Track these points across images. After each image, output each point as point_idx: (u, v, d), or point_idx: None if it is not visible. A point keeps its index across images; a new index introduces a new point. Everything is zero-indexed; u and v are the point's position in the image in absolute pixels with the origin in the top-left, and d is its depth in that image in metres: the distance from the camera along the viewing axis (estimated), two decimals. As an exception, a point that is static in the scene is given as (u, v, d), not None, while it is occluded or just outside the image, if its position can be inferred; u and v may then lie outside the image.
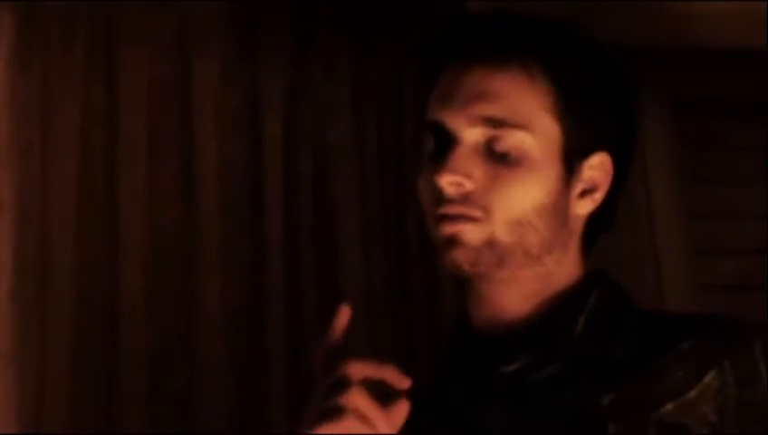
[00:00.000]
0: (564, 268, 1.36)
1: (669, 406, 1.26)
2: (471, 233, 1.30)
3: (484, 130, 1.31)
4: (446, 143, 1.33)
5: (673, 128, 2.23)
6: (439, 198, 1.32)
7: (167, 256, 2.10)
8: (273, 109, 2.16)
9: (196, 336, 2.06)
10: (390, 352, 2.07)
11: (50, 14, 2.12)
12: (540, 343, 1.33)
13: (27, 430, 1.98)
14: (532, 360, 1.32)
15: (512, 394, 1.31)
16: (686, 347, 1.28)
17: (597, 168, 1.35)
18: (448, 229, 1.31)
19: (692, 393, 1.26)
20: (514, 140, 1.30)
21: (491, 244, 1.30)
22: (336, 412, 1.19)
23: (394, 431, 1.21)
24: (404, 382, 1.22)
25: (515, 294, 1.35)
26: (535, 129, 1.31)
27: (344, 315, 1.27)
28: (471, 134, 1.32)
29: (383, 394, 1.21)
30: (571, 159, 1.33)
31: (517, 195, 1.30)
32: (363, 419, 1.19)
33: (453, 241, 1.31)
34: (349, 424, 1.19)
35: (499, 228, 1.30)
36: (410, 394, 1.23)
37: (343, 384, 1.20)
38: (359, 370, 1.21)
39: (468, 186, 1.30)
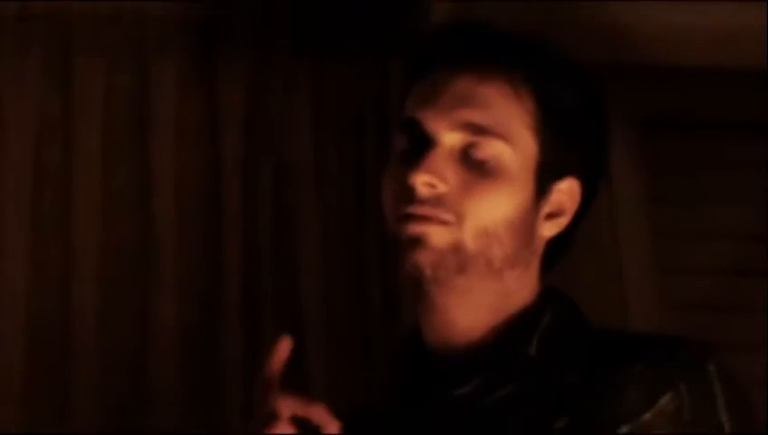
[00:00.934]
0: (522, 288, 1.35)
1: (624, 429, 1.24)
2: (438, 235, 1.29)
3: (464, 135, 1.30)
4: (420, 144, 1.32)
5: (639, 146, 2.22)
6: (409, 197, 1.30)
7: (121, 268, 2.09)
8: (232, 120, 2.14)
9: (150, 351, 2.05)
10: (349, 367, 2.10)
11: (4, 23, 2.10)
12: (493, 365, 1.31)
13: (-26, 447, 1.97)
14: (485, 382, 1.30)
15: (463, 418, 1.30)
16: (639, 369, 1.26)
17: (565, 192, 1.35)
18: (414, 229, 1.29)
19: (647, 416, 1.24)
20: (493, 149, 1.30)
21: (456, 249, 1.29)
22: None
23: None
24: (331, 427, 1.24)
25: (469, 305, 1.33)
26: (515, 142, 1.31)
27: (284, 347, 1.28)
28: (450, 138, 1.31)
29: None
30: (543, 180, 1.33)
31: (489, 204, 1.29)
32: None
33: (418, 241, 1.29)
34: None
35: (467, 235, 1.29)
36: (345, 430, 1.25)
37: (273, 418, 1.24)
38: (288, 406, 1.24)
39: (442, 188, 1.29)
